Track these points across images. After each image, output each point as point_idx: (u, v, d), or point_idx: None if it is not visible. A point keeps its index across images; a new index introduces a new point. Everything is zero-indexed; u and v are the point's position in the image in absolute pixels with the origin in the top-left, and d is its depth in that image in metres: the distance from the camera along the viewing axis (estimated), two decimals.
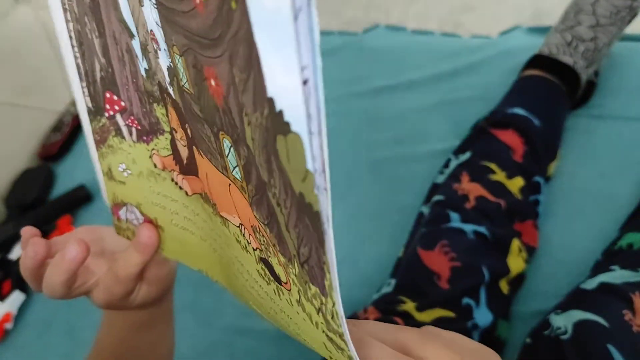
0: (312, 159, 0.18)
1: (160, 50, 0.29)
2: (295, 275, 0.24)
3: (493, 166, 0.65)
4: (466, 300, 0.57)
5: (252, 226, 0.27)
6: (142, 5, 0.29)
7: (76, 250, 0.36)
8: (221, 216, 0.31)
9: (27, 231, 0.39)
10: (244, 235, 0.29)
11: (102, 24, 0.34)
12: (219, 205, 0.31)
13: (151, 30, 0.29)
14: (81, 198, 1.05)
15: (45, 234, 0.83)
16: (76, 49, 0.37)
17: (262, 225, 0.26)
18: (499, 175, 0.64)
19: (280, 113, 0.19)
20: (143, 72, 0.33)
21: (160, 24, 0.27)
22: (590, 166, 0.72)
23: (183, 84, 0.28)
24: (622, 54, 0.80)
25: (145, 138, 0.37)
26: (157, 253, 0.39)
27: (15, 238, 1.00)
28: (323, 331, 0.25)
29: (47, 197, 1.11)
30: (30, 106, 1.20)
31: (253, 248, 0.28)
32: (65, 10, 0.36)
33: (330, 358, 0.27)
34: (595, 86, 0.78)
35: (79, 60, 0.38)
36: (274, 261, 0.26)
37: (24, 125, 1.20)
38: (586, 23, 0.72)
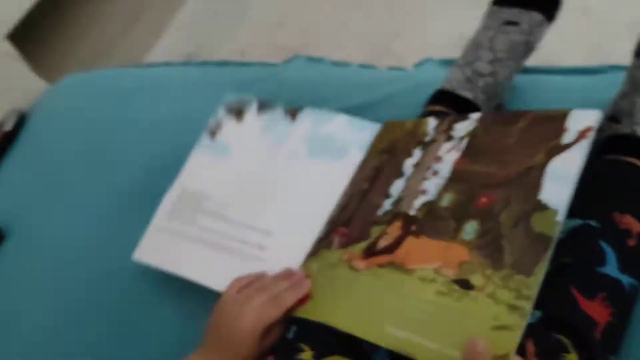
0: (560, 217, 0.52)
1: (420, 196, 0.63)
2: (501, 278, 0.52)
3: None
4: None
5: (459, 263, 0.55)
6: (426, 180, 0.64)
7: None
8: (407, 269, 0.57)
9: None
10: (437, 272, 0.55)
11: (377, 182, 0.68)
12: (408, 262, 0.58)
13: (423, 189, 0.63)
14: None
15: None
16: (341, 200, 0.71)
17: (477, 257, 0.54)
18: None
19: (544, 204, 0.54)
20: (379, 213, 0.65)
21: (442, 184, 0.62)
22: None
23: (440, 205, 0.60)
24: (524, 87, 0.84)
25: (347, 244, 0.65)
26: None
27: None
28: (507, 304, 0.50)
29: None
30: None
31: (445, 276, 0.55)
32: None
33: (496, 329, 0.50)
34: None
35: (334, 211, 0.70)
36: (474, 276, 0.53)
37: None
38: (485, 58, 0.76)
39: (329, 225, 0.69)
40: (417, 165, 0.67)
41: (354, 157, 0.74)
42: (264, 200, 0.75)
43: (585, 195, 0.54)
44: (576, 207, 0.53)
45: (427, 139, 0.69)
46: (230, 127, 0.84)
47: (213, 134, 0.84)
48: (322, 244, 0.68)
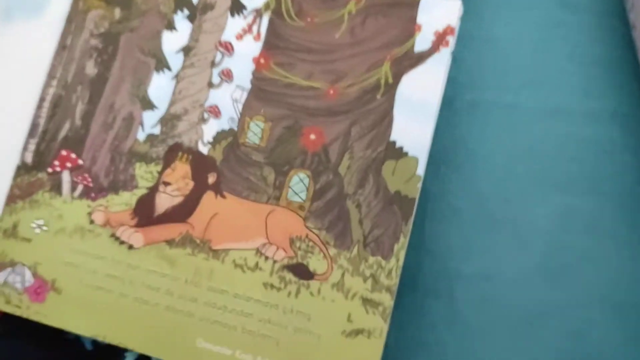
0: (421, 169, 0.39)
1: (212, 119, 0.42)
2: (348, 259, 0.39)
3: None
4: None
5: (290, 238, 0.39)
6: (213, 87, 0.42)
7: None
8: (214, 250, 0.40)
9: None
10: (261, 255, 0.39)
11: (99, 94, 0.42)
12: (215, 241, 0.40)
13: (212, 105, 0.42)
14: None
15: None
16: (44, 110, 0.42)
17: (315, 231, 0.39)
18: None
19: (399, 147, 0.39)
20: (139, 137, 0.42)
21: (242, 101, 0.41)
22: None
23: (246, 141, 0.41)
24: None
25: (93, 195, 0.41)
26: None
27: None
28: (361, 297, 0.38)
29: None
30: None
31: (274, 261, 0.39)
32: (52, 77, 0.42)
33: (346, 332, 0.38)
34: None
35: (41, 120, 0.42)
36: (313, 260, 0.39)
37: None
38: None
39: (40, 140, 0.42)
40: (187, 53, 0.43)
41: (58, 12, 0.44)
42: None
43: None
44: None
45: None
46: None
47: None
48: (37, 179, 0.42)
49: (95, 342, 0.46)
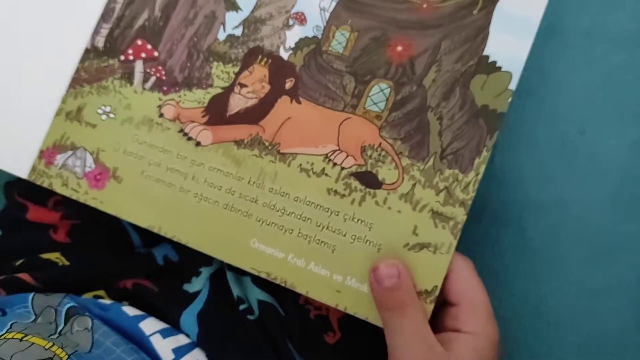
0: (514, 84, 0.36)
1: (297, 26, 0.40)
2: (421, 170, 0.35)
3: None
4: None
5: (362, 147, 0.37)
6: None
7: None
8: (282, 153, 0.38)
9: None
10: (328, 161, 0.37)
11: None
12: (284, 144, 0.38)
13: (298, 12, 0.40)
14: None
15: None
16: None
17: (389, 141, 0.36)
18: None
19: (492, 62, 0.36)
20: (220, 36, 0.41)
21: (330, 11, 0.40)
22: None
23: (329, 49, 0.39)
24: None
25: (165, 88, 0.40)
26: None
27: None
28: (431, 210, 0.34)
29: None
30: None
31: (342, 168, 0.36)
32: None
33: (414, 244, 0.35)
34: None
35: (116, 5, 0.41)
36: (383, 169, 0.36)
37: None
38: None
39: (114, 26, 0.41)
40: None
41: None
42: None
43: None
44: None
45: None
46: None
47: None
48: (108, 65, 0.41)
49: (166, 258, 0.44)
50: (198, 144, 0.39)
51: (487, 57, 0.36)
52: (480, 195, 0.37)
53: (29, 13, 0.42)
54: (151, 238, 0.44)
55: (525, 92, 0.45)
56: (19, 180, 0.41)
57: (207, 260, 0.44)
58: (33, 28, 0.42)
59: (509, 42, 0.36)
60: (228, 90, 0.40)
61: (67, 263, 0.42)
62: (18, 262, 0.43)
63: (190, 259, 0.45)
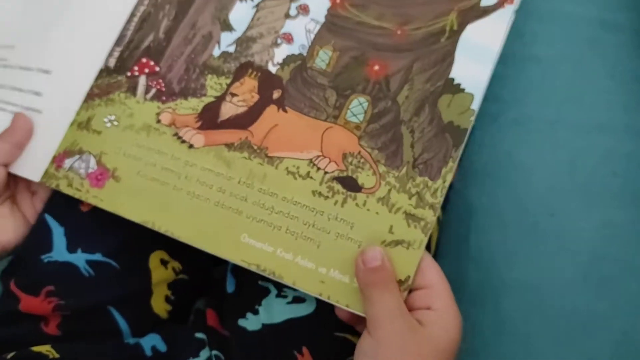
0: (476, 105, 0.41)
1: (284, 44, 0.45)
2: (396, 177, 0.40)
3: None
4: None
5: (343, 154, 0.41)
6: (289, 18, 0.45)
7: None
8: (270, 157, 0.42)
9: None
10: (313, 165, 0.41)
11: (184, 14, 0.46)
12: (271, 148, 0.42)
13: (286, 33, 0.45)
14: None
15: None
16: (133, 24, 0.47)
17: (367, 150, 0.41)
18: None
19: (457, 84, 0.42)
20: (215, 53, 0.45)
21: (315, 32, 0.45)
22: None
23: (313, 65, 0.44)
24: None
25: (164, 98, 0.44)
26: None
27: None
28: (404, 212, 0.39)
29: None
30: None
31: (325, 172, 0.41)
32: None
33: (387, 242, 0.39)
34: None
35: (128, 32, 0.47)
36: (362, 175, 0.40)
37: None
38: None
39: (125, 49, 0.47)
40: None
41: None
42: (47, 29, 0.49)
43: None
44: None
45: None
46: None
47: None
48: (116, 81, 0.46)
49: (154, 349, 0.46)
50: (191, 146, 0.42)
51: (453, 79, 0.42)
52: (457, 276, 0.40)
53: (57, 40, 0.48)
54: (139, 324, 0.46)
55: (495, 177, 0.49)
56: (14, 267, 0.45)
57: (195, 350, 0.45)
58: (61, 54, 0.48)
59: (472, 67, 0.42)
60: (220, 99, 0.44)
61: (57, 356, 0.43)
62: (9, 356, 0.42)
63: (178, 350, 0.46)
